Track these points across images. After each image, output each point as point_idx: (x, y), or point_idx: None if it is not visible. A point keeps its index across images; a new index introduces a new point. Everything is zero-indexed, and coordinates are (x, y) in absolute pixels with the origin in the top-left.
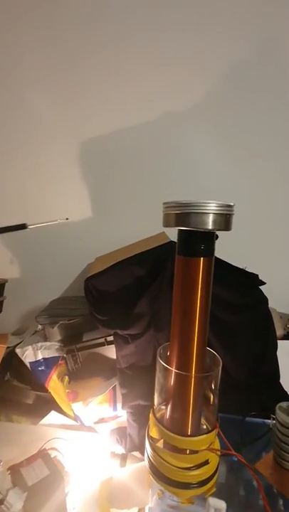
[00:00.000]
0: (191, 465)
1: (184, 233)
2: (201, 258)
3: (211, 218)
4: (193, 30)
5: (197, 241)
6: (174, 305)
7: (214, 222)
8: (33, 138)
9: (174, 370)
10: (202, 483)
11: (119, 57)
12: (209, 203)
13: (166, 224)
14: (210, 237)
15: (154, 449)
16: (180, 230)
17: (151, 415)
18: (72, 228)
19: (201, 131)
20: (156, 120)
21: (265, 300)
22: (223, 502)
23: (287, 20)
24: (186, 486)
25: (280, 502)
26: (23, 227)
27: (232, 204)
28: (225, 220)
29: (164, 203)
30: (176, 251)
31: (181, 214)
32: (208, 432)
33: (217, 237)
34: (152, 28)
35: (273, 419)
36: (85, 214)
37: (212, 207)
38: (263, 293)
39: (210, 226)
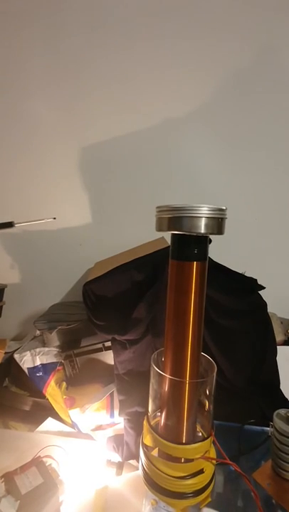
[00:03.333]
0: (186, 474)
1: (176, 237)
2: (195, 262)
3: (203, 222)
4: (193, 38)
5: (190, 245)
6: (167, 310)
7: (206, 226)
8: (34, 144)
9: (167, 376)
10: (197, 492)
11: (119, 65)
12: (201, 207)
13: (159, 228)
14: (203, 241)
15: (147, 457)
16: (173, 234)
17: (145, 422)
18: (72, 233)
19: (200, 138)
20: (156, 127)
21: (263, 305)
22: None
23: (286, 26)
24: (181, 495)
25: None
26: (9, 225)
27: (224, 208)
28: (217, 224)
29: (157, 207)
30: (169, 255)
31: (174, 218)
32: (203, 439)
33: (210, 241)
34: (152, 35)
35: (272, 426)
36: (85, 219)
37: (204, 211)
38: (261, 298)
39: (202, 230)
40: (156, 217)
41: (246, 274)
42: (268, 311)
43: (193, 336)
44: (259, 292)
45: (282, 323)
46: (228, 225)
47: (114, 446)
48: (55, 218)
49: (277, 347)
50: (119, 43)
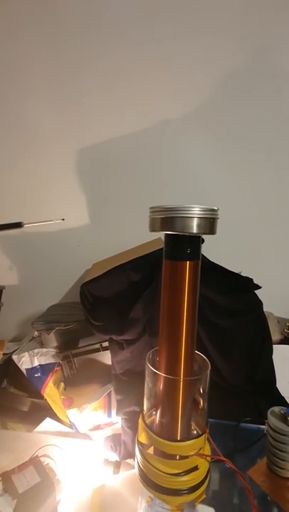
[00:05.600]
0: (180, 471)
1: (169, 237)
2: (188, 262)
3: (195, 222)
4: (189, 40)
5: (183, 245)
6: (161, 309)
7: (199, 226)
8: (32, 146)
9: (162, 374)
10: (192, 489)
11: (117, 67)
12: (193, 207)
13: (152, 228)
14: (195, 240)
15: (143, 454)
16: (166, 235)
17: (140, 421)
18: (70, 235)
19: (197, 139)
20: (153, 128)
21: (259, 304)
22: (212, 509)
23: (282, 29)
24: (176, 492)
25: (275, 511)
26: (18, 225)
27: (216, 208)
28: (209, 224)
29: (150, 208)
30: (163, 255)
31: (166, 218)
32: (197, 436)
33: (203, 241)
34: (149, 38)
35: (267, 424)
36: (82, 220)
37: (196, 211)
38: (257, 297)
39: (194, 230)
40: (149, 217)
41: (243, 274)
42: (265, 310)
43: (187, 335)
44: (255, 292)
45: (278, 322)
46: (224, 224)
47: (111, 446)
48: (63, 219)
49: (274, 346)
50: (117, 44)
